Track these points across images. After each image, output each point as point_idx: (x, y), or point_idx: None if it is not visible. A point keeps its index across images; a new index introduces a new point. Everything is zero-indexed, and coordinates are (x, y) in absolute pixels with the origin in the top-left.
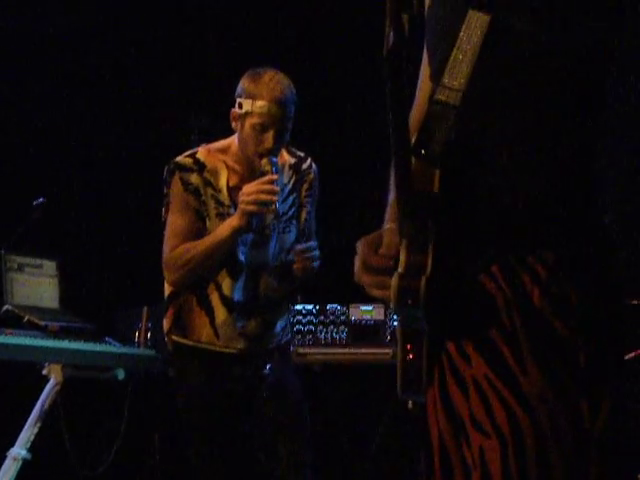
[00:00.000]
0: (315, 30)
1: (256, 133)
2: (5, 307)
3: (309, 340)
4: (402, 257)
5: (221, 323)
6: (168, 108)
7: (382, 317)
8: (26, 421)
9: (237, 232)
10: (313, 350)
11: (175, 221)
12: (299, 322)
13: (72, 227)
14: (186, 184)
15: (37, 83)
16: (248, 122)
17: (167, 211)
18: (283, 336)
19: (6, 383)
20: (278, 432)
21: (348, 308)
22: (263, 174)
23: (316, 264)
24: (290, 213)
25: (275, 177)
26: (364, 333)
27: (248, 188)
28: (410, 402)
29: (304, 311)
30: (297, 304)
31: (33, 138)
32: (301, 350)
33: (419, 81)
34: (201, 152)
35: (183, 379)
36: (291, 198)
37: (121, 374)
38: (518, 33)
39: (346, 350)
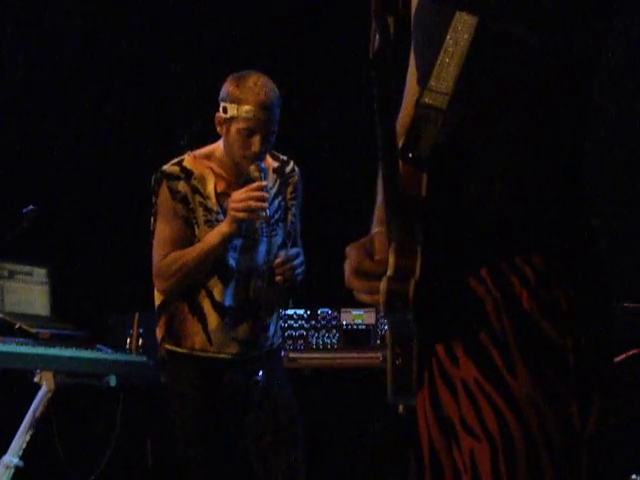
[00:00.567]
0: (299, 33)
1: (242, 138)
2: None
3: (300, 345)
4: (391, 260)
5: (214, 329)
6: (157, 116)
7: (373, 322)
8: (18, 429)
9: (227, 239)
10: (304, 355)
11: (164, 230)
12: (290, 327)
13: (63, 234)
14: (174, 192)
15: (26, 89)
16: (234, 127)
17: (156, 220)
18: (275, 340)
19: None
20: (270, 438)
21: (339, 313)
22: (250, 180)
23: (300, 270)
24: (277, 216)
25: (264, 184)
26: (356, 338)
27: (237, 195)
28: (400, 406)
29: (295, 316)
30: (288, 309)
31: (23, 145)
32: (292, 355)
33: (406, 85)
34: (187, 159)
35: (176, 387)
36: (277, 201)
37: (113, 381)
38: (505, 36)
39: (338, 355)
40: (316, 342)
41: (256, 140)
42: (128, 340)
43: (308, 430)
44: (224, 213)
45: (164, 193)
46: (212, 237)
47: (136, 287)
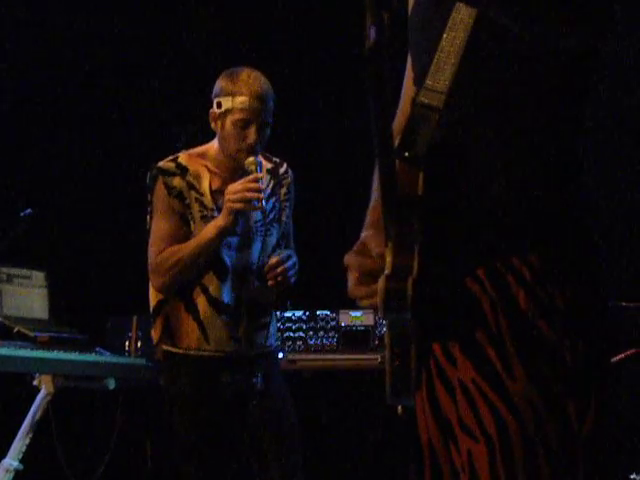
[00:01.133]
0: (294, 33)
1: (238, 130)
2: None
3: (299, 346)
4: (388, 259)
5: (210, 326)
6: (153, 119)
7: (372, 323)
8: (17, 432)
9: (223, 232)
10: (303, 356)
11: (160, 226)
12: (289, 329)
13: (60, 237)
14: (170, 188)
15: (23, 94)
16: (229, 120)
17: (152, 217)
18: (272, 341)
19: None
20: (268, 440)
21: (338, 314)
22: (247, 174)
23: (292, 273)
24: (271, 216)
25: (260, 175)
26: (354, 339)
27: (234, 187)
28: (399, 407)
29: (294, 317)
30: (287, 310)
31: (20, 149)
32: (291, 356)
33: (404, 84)
34: (182, 157)
35: (173, 389)
36: (271, 201)
37: (112, 384)
38: (501, 35)
39: (337, 356)
40: (315, 343)
41: (251, 131)
42: (127, 343)
43: (306, 431)
44: (219, 210)
45: (160, 189)
46: (208, 231)
47: (134, 290)
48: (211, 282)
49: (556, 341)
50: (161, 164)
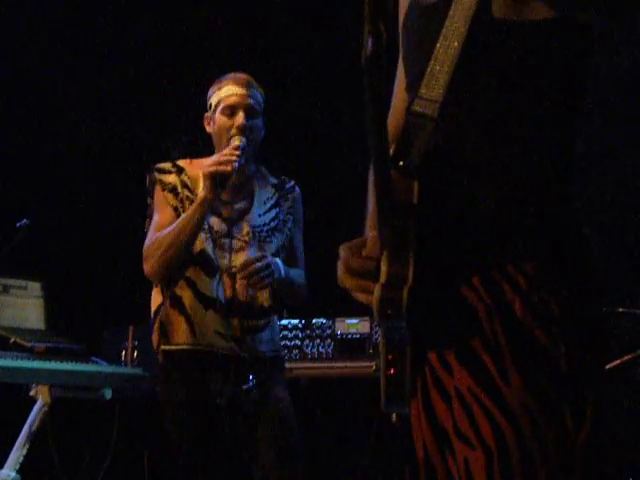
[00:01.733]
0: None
1: (227, 118)
2: None
3: (295, 355)
4: (383, 268)
5: (197, 320)
6: (149, 129)
7: (368, 331)
8: (15, 443)
9: (204, 201)
10: (300, 365)
11: (155, 219)
12: (285, 337)
13: (57, 248)
14: (164, 184)
15: (19, 102)
16: (218, 112)
17: (150, 218)
18: (267, 347)
19: None
20: (266, 447)
21: (334, 322)
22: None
23: (265, 274)
24: (272, 224)
25: (238, 143)
26: (350, 347)
27: (210, 159)
28: (394, 415)
29: (290, 326)
30: (283, 319)
31: (16, 159)
32: (287, 365)
33: (394, 91)
34: (181, 161)
35: (164, 390)
36: (274, 211)
37: (108, 394)
38: (495, 44)
39: (333, 364)
40: (311, 352)
41: (240, 116)
42: (123, 353)
43: (303, 439)
44: (211, 215)
45: (158, 190)
46: (191, 207)
47: (131, 300)
48: (198, 277)
49: (552, 348)
50: (158, 165)
